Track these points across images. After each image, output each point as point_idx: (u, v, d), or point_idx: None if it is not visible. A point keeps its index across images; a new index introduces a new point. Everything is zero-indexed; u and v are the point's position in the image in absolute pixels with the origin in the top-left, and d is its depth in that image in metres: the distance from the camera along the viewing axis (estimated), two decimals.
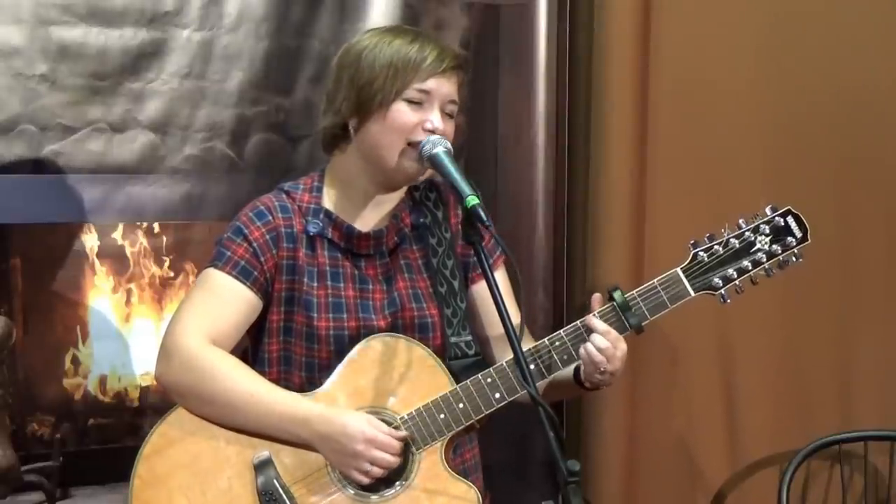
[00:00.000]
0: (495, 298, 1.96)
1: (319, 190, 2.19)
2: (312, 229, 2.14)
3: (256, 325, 2.15)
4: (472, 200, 1.96)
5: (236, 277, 2.10)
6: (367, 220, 2.18)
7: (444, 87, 2.11)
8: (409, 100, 2.10)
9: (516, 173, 3.16)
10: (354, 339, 2.11)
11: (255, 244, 2.11)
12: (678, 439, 3.13)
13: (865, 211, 3.14)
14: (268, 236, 2.12)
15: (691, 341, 3.04)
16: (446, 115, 2.12)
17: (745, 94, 3.10)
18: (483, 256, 1.99)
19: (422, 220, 2.21)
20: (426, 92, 2.10)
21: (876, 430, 3.04)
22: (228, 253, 2.11)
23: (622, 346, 2.09)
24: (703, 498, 3.15)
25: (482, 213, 1.94)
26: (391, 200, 2.20)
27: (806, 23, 3.11)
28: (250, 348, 2.19)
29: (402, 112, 2.10)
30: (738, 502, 3.15)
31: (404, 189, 2.21)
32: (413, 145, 2.09)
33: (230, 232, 2.14)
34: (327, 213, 2.16)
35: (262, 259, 2.12)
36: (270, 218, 2.14)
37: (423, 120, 2.09)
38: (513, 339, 1.92)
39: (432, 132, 2.09)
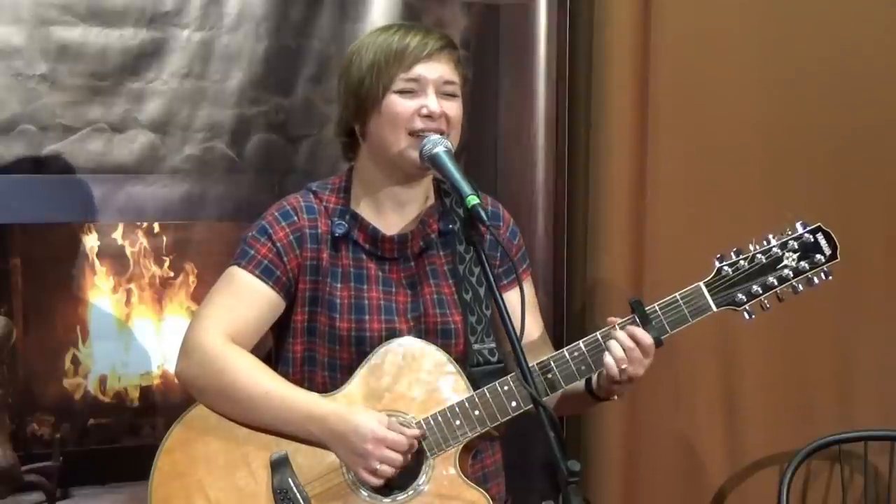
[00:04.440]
0: (495, 299, 1.97)
1: (347, 191, 2.20)
2: (338, 230, 2.15)
3: (281, 324, 2.16)
4: (473, 200, 1.96)
5: (259, 276, 2.12)
6: (394, 224, 2.19)
7: (433, 71, 2.11)
8: (400, 91, 2.10)
9: (516, 173, 3.16)
10: (376, 342, 2.12)
11: (278, 244, 2.13)
12: (678, 439, 3.13)
13: (865, 210, 3.13)
14: (292, 237, 2.14)
15: (691, 341, 3.03)
16: (446, 95, 2.12)
17: (745, 94, 3.10)
18: (483, 257, 1.99)
19: (450, 226, 2.21)
20: (415, 80, 2.10)
21: (876, 430, 3.05)
22: (252, 252, 2.13)
23: (648, 345, 2.08)
24: (703, 498, 3.15)
25: (482, 213, 1.95)
26: (416, 202, 2.20)
27: (806, 22, 3.11)
28: (274, 348, 2.20)
29: (395, 104, 2.10)
30: (738, 502, 3.15)
31: (432, 192, 2.22)
32: (414, 135, 2.09)
33: (255, 231, 2.16)
34: (353, 215, 2.17)
35: (286, 259, 2.13)
36: (295, 218, 2.16)
37: (420, 106, 2.09)
38: (513, 340, 1.93)
39: (429, 116, 2.09)
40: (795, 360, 3.15)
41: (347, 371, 2.12)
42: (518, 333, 1.92)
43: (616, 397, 2.15)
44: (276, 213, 2.17)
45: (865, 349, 3.17)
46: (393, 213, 2.18)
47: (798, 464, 2.95)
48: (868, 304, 3.16)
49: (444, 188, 2.23)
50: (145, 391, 3.13)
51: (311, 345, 2.15)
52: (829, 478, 3.14)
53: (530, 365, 1.96)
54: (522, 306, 1.95)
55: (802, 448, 2.96)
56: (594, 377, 2.12)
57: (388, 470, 2.02)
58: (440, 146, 2.07)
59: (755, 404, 3.13)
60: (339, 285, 2.14)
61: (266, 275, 2.12)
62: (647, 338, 2.07)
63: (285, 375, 2.13)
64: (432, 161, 2.07)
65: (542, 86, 3.12)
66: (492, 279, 1.98)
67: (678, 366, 3.07)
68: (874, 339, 3.16)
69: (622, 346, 2.06)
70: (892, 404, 3.15)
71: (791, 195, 3.05)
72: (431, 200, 2.22)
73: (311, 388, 2.11)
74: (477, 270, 2.19)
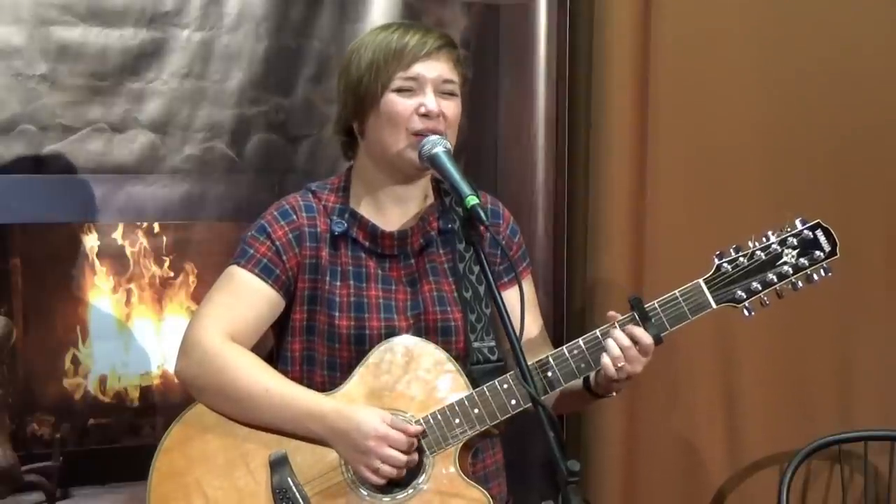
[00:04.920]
0: (494, 298, 1.97)
1: (346, 190, 2.21)
2: (337, 229, 2.16)
3: (280, 323, 2.17)
4: (472, 200, 1.96)
5: (258, 275, 2.13)
6: (393, 221, 2.19)
7: (432, 69, 2.11)
8: (398, 89, 2.10)
9: (516, 173, 3.16)
10: (376, 340, 2.12)
11: (277, 243, 2.14)
12: (678, 439, 3.13)
13: (865, 210, 3.13)
14: (291, 235, 2.15)
15: (691, 341, 3.03)
16: (445, 94, 2.12)
17: (745, 94, 3.10)
18: (482, 257, 1.99)
19: (450, 225, 2.21)
20: (413, 78, 2.10)
21: (876, 430, 3.05)
22: (251, 251, 2.14)
23: (647, 344, 2.08)
24: (703, 498, 3.15)
25: (482, 214, 1.95)
26: (416, 199, 2.20)
27: (806, 22, 3.11)
28: (274, 347, 2.21)
29: (394, 102, 2.10)
30: (738, 502, 3.15)
31: (430, 191, 2.22)
32: (413, 135, 2.10)
33: (254, 230, 2.17)
34: (353, 213, 2.18)
35: (285, 258, 2.14)
36: (294, 217, 2.17)
37: (419, 105, 2.10)
38: (512, 339, 1.93)
39: (426, 115, 2.09)
40: (795, 358, 3.15)
41: (347, 370, 2.12)
42: (517, 332, 1.92)
43: (614, 394, 2.15)
44: (275, 213, 2.18)
45: (865, 349, 3.17)
46: (393, 211, 2.19)
47: (798, 464, 2.95)
48: (868, 303, 3.16)
49: (443, 187, 2.24)
50: (145, 391, 3.13)
51: (310, 344, 2.15)
52: (829, 478, 3.14)
53: (529, 363, 1.96)
54: (522, 305, 1.95)
55: (802, 448, 2.96)
56: (592, 375, 2.12)
57: (389, 469, 2.02)
58: (439, 146, 2.07)
59: (755, 403, 3.13)
60: (338, 283, 2.14)
61: (265, 273, 2.13)
62: (646, 337, 2.07)
63: (284, 374, 2.14)
64: (431, 161, 2.07)
65: (542, 86, 3.12)
66: (491, 280, 1.98)
67: (678, 364, 3.07)
68: (874, 338, 3.16)
69: (619, 345, 2.06)
70: (892, 404, 3.15)
71: (791, 195, 3.05)
72: (431, 199, 2.23)
73: (310, 388, 2.11)
74: (477, 269, 2.19)
